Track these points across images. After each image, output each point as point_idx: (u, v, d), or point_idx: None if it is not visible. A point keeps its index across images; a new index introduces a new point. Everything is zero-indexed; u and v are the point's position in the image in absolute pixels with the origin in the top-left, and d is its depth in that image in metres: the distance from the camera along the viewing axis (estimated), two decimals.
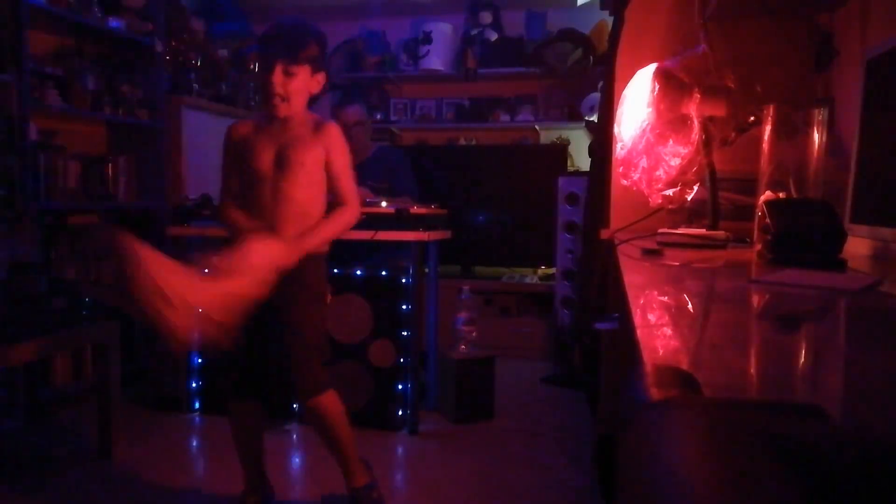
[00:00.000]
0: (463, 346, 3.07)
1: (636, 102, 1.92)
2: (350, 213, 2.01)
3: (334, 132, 2.00)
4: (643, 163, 1.91)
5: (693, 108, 1.83)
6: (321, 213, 1.99)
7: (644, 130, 1.88)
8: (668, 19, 2.27)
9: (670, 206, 1.94)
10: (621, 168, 2.01)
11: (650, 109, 1.85)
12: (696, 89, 1.82)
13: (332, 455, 2.11)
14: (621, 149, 1.99)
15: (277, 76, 1.88)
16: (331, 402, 2.00)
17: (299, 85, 1.92)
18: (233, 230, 2.00)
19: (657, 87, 1.85)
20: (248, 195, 1.97)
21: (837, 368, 0.66)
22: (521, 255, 4.44)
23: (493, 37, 4.61)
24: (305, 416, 2.09)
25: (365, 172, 3.06)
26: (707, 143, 1.86)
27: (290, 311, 1.95)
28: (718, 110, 1.85)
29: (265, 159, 1.94)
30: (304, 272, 1.94)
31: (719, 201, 1.90)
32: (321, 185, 1.98)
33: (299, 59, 1.89)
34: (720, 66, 1.88)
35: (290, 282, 1.90)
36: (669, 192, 1.91)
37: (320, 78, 1.98)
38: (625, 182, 2.02)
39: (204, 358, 3.05)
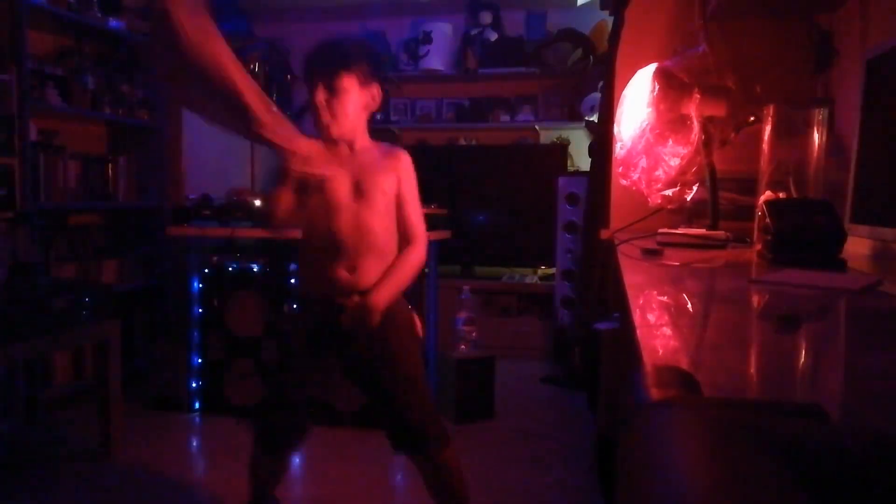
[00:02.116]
0: (463, 346, 3.07)
1: (636, 102, 1.92)
2: (418, 251, 1.85)
3: (406, 160, 1.86)
4: (643, 163, 1.91)
5: (693, 109, 1.83)
6: (396, 243, 1.85)
7: (644, 130, 1.88)
8: (668, 19, 2.27)
9: (670, 206, 1.94)
10: (621, 168, 2.01)
11: (650, 109, 1.85)
12: (696, 89, 1.82)
13: None
14: (621, 149, 1.99)
15: (320, 95, 1.76)
16: (455, 454, 1.87)
17: (347, 102, 1.77)
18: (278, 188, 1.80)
19: (657, 87, 1.85)
20: (323, 225, 1.79)
21: (837, 368, 0.66)
22: (521, 255, 4.44)
23: (493, 37, 4.61)
24: (427, 473, 1.86)
25: None
26: (707, 144, 1.86)
27: (395, 363, 1.80)
28: (718, 110, 1.85)
29: (343, 185, 1.79)
30: (392, 321, 1.81)
31: (719, 201, 1.90)
32: (394, 214, 1.85)
33: (340, 76, 1.75)
34: (720, 66, 1.88)
35: (382, 335, 1.79)
36: (669, 192, 1.91)
37: (375, 92, 1.82)
38: (624, 182, 2.02)
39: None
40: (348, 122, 1.79)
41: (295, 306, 1.91)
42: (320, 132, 1.80)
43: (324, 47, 1.80)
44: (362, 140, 1.84)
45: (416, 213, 1.87)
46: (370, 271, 1.78)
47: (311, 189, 1.79)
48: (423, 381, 1.85)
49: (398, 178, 1.84)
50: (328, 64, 1.76)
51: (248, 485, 1.94)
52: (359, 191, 1.80)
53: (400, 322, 1.83)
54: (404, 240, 1.85)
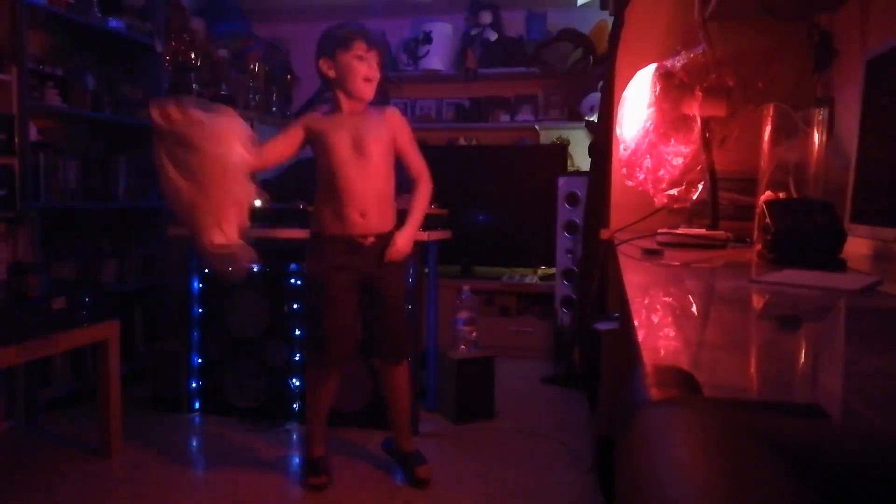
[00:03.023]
0: (463, 346, 3.07)
1: (637, 103, 1.92)
2: (427, 185, 2.34)
3: (397, 115, 2.32)
4: (647, 163, 1.91)
5: (695, 108, 1.83)
6: (393, 186, 2.28)
7: (647, 131, 1.88)
8: (668, 19, 2.27)
9: (676, 206, 1.94)
10: (625, 169, 2.01)
11: (652, 109, 1.85)
12: (698, 89, 1.82)
13: (394, 416, 2.46)
14: (624, 150, 1.99)
15: (374, 63, 2.19)
16: (407, 366, 2.42)
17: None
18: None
19: (658, 87, 1.85)
20: (334, 181, 2.18)
21: (837, 368, 0.66)
22: (521, 255, 4.44)
23: (493, 37, 4.61)
24: (386, 377, 2.40)
25: None
26: (708, 143, 1.86)
27: (391, 286, 2.29)
28: (719, 110, 1.85)
29: (343, 144, 2.18)
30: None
31: (719, 201, 1.90)
32: (391, 163, 2.27)
33: (383, 49, 2.26)
34: (720, 65, 1.88)
35: (391, 267, 2.27)
36: (674, 191, 1.91)
37: None
38: (630, 183, 2.02)
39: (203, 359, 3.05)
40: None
41: (315, 250, 2.30)
42: (361, 95, 2.19)
43: (366, 27, 2.24)
44: (361, 107, 2.25)
45: (416, 157, 2.34)
46: (377, 214, 2.21)
47: (318, 149, 2.20)
48: (403, 307, 2.40)
49: (393, 131, 2.26)
50: (380, 39, 2.29)
51: (309, 415, 2.40)
52: (358, 148, 2.18)
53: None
54: (413, 178, 2.33)
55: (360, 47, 2.16)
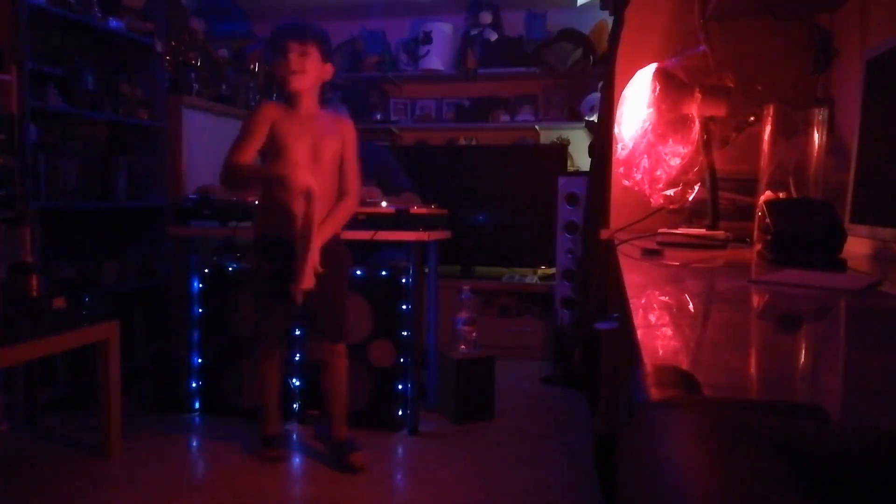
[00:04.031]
0: (463, 346, 3.07)
1: (636, 102, 1.91)
2: (352, 202, 2.42)
3: (350, 128, 2.41)
4: (644, 163, 1.91)
5: (694, 109, 1.83)
6: (336, 190, 2.38)
7: (645, 131, 1.88)
8: (668, 19, 2.27)
9: (672, 206, 1.94)
10: (622, 169, 2.01)
11: (651, 110, 1.85)
12: (697, 89, 1.82)
13: (329, 404, 2.52)
14: (622, 149, 1.99)
15: (295, 50, 2.23)
16: (345, 353, 2.51)
17: (312, 64, 2.26)
18: (254, 177, 2.36)
19: (658, 87, 1.85)
20: (286, 183, 2.25)
21: (837, 368, 0.66)
22: (521, 255, 4.44)
23: (493, 37, 4.61)
24: (323, 358, 2.49)
25: None
26: (707, 143, 1.85)
27: (329, 281, 2.36)
28: (719, 110, 1.85)
29: (303, 151, 2.28)
30: (330, 252, 2.35)
31: (719, 201, 1.90)
32: (338, 169, 2.37)
33: (309, 41, 2.24)
34: (720, 66, 1.88)
35: (324, 261, 2.33)
36: (670, 192, 1.91)
37: (329, 68, 2.33)
38: (626, 183, 2.02)
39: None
40: (310, 79, 2.28)
41: (254, 251, 2.47)
42: (285, 84, 2.27)
43: (296, 21, 2.37)
44: (315, 107, 2.35)
45: (354, 172, 2.42)
46: (317, 214, 2.24)
47: (274, 150, 2.29)
48: (344, 298, 2.51)
49: (343, 141, 2.37)
50: (300, 30, 2.26)
51: (261, 410, 2.59)
52: (314, 154, 2.30)
53: (333, 255, 2.38)
54: (342, 191, 2.40)
55: (285, 46, 2.25)
